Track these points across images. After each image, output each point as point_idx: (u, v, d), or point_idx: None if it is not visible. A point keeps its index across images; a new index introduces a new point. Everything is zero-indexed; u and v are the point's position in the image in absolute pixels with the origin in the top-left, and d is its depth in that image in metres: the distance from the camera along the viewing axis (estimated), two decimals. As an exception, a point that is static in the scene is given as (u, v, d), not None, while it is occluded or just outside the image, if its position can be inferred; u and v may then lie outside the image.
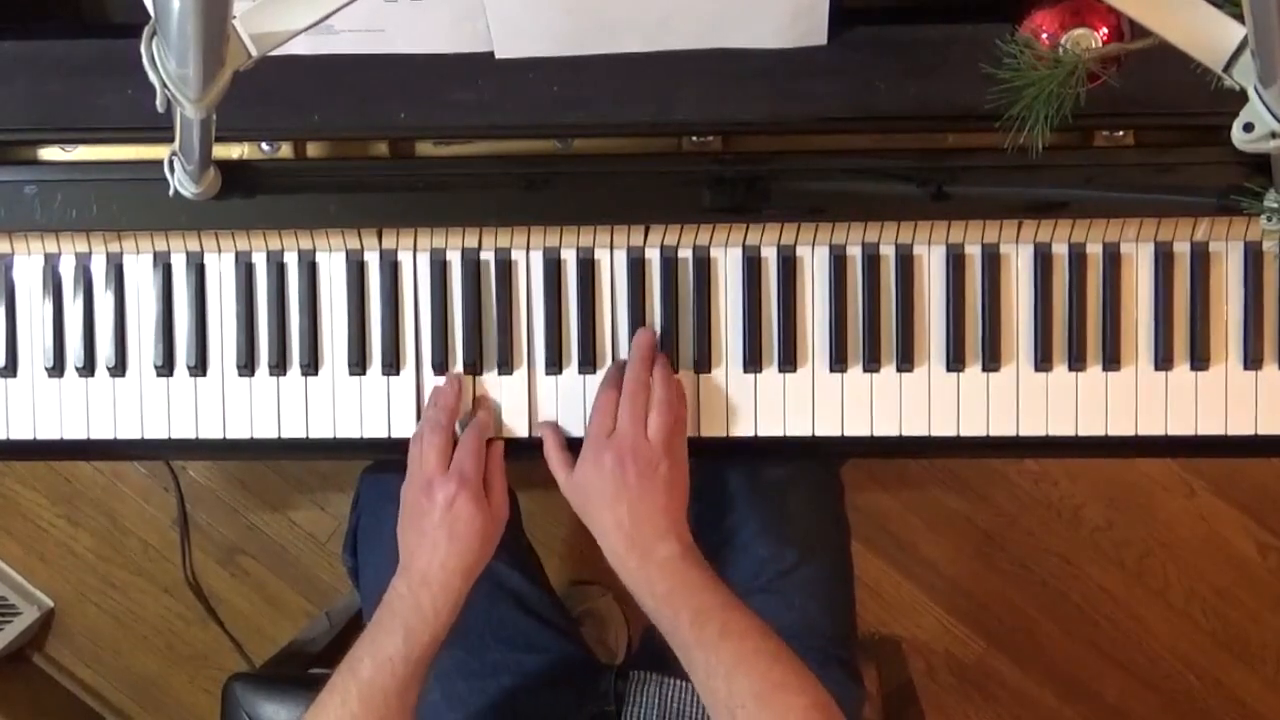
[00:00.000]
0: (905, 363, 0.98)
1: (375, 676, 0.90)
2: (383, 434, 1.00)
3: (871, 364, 0.98)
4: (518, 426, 1.00)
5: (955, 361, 0.97)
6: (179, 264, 1.00)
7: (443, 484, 0.93)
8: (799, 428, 0.99)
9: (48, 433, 1.01)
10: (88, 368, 1.00)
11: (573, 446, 0.97)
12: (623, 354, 0.99)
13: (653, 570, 0.90)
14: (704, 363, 0.98)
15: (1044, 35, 0.81)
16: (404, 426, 1.00)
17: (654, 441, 0.92)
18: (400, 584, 0.94)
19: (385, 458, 1.16)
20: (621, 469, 0.91)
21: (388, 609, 0.93)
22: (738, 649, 0.86)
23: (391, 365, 0.99)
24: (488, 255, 0.99)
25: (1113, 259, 0.96)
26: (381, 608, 0.94)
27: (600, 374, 0.99)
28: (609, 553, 0.92)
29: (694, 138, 0.95)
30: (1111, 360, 0.97)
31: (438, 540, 0.93)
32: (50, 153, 0.98)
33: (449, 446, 0.95)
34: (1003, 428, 0.98)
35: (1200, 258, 0.96)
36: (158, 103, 0.68)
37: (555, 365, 0.99)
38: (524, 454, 0.99)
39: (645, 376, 0.94)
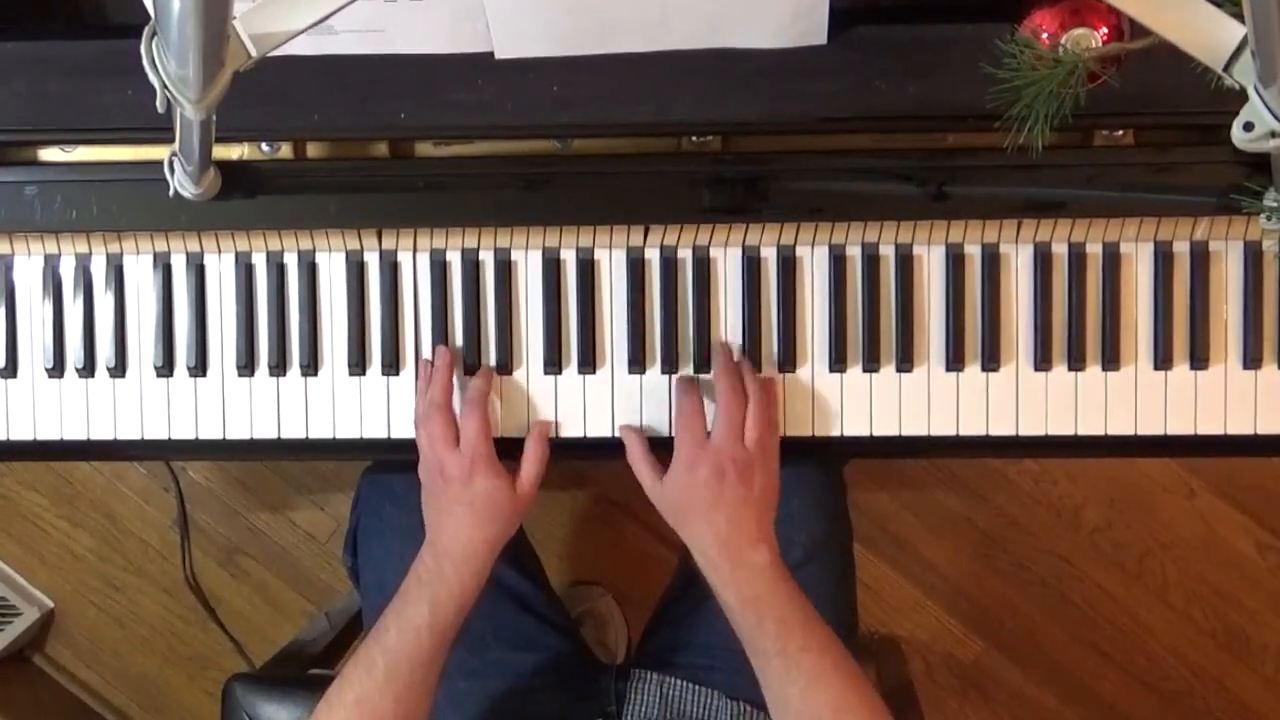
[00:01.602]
0: (905, 363, 0.98)
1: (401, 646, 0.91)
2: (382, 434, 1.01)
3: (871, 364, 0.98)
4: (517, 426, 1.00)
5: (955, 361, 0.97)
6: (179, 264, 1.00)
7: (456, 461, 0.94)
8: (798, 428, 0.99)
9: (48, 433, 1.01)
10: (88, 368, 1.00)
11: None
12: (622, 354, 0.99)
13: (742, 576, 0.91)
14: (703, 363, 0.98)
15: (1044, 35, 0.81)
16: (404, 427, 1.00)
17: (751, 449, 0.92)
18: (427, 556, 0.95)
19: (385, 458, 1.16)
20: (720, 479, 0.91)
21: (414, 580, 0.94)
22: (817, 663, 0.88)
23: (391, 365, 0.99)
24: (487, 255, 0.99)
25: (1112, 259, 0.96)
26: (408, 579, 0.95)
27: (601, 374, 0.99)
28: (700, 557, 0.93)
29: (693, 138, 0.95)
30: (1111, 360, 0.97)
31: (459, 514, 0.94)
32: (50, 153, 0.98)
33: (453, 424, 0.95)
34: (1002, 427, 0.98)
35: (1200, 257, 0.96)
36: (158, 103, 0.68)
37: (555, 365, 0.99)
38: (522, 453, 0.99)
39: (740, 383, 0.94)
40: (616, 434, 0.99)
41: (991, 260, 0.97)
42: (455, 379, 0.98)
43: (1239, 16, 0.62)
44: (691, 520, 0.93)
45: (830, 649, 0.89)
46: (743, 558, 0.91)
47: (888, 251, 0.98)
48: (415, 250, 0.99)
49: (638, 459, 0.97)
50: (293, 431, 1.01)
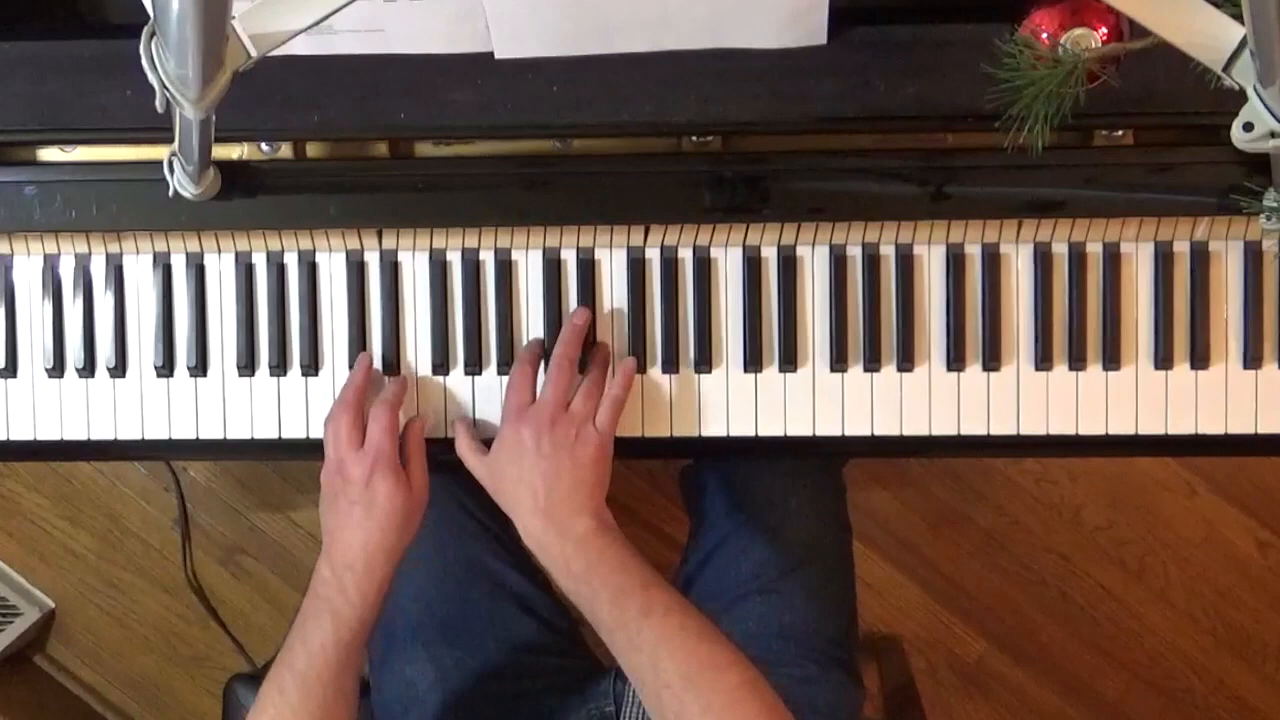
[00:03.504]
0: (905, 362, 0.98)
1: (309, 667, 0.90)
2: (383, 434, 1.00)
3: (872, 364, 0.98)
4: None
5: (955, 361, 0.97)
6: (179, 264, 1.00)
7: (357, 461, 0.92)
8: (799, 428, 0.99)
9: (48, 433, 1.01)
10: (88, 368, 1.00)
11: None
12: (622, 354, 0.99)
13: (569, 548, 0.88)
14: (704, 363, 0.98)
15: (1043, 35, 0.81)
16: (404, 427, 1.00)
17: (576, 415, 0.91)
18: (324, 568, 0.93)
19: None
20: (537, 439, 0.90)
21: (313, 595, 0.93)
22: (660, 627, 0.84)
23: (392, 365, 0.99)
24: (488, 255, 0.99)
25: (1113, 258, 0.96)
26: (308, 594, 0.93)
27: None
28: (524, 531, 0.91)
29: (694, 138, 0.95)
30: (1111, 359, 0.97)
31: (357, 519, 0.91)
32: (50, 153, 0.97)
33: (359, 424, 0.93)
34: (1003, 427, 0.98)
35: (1200, 257, 0.96)
36: (157, 103, 0.68)
37: (555, 365, 0.99)
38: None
39: (574, 352, 0.94)
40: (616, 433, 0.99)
41: (992, 260, 0.97)
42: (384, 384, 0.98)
43: (1239, 17, 0.62)
44: (511, 488, 0.91)
45: (673, 610, 0.85)
46: (567, 529, 0.89)
47: (888, 251, 0.98)
48: (415, 250, 0.99)
49: (462, 444, 0.96)
50: (293, 431, 1.01)
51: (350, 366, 0.99)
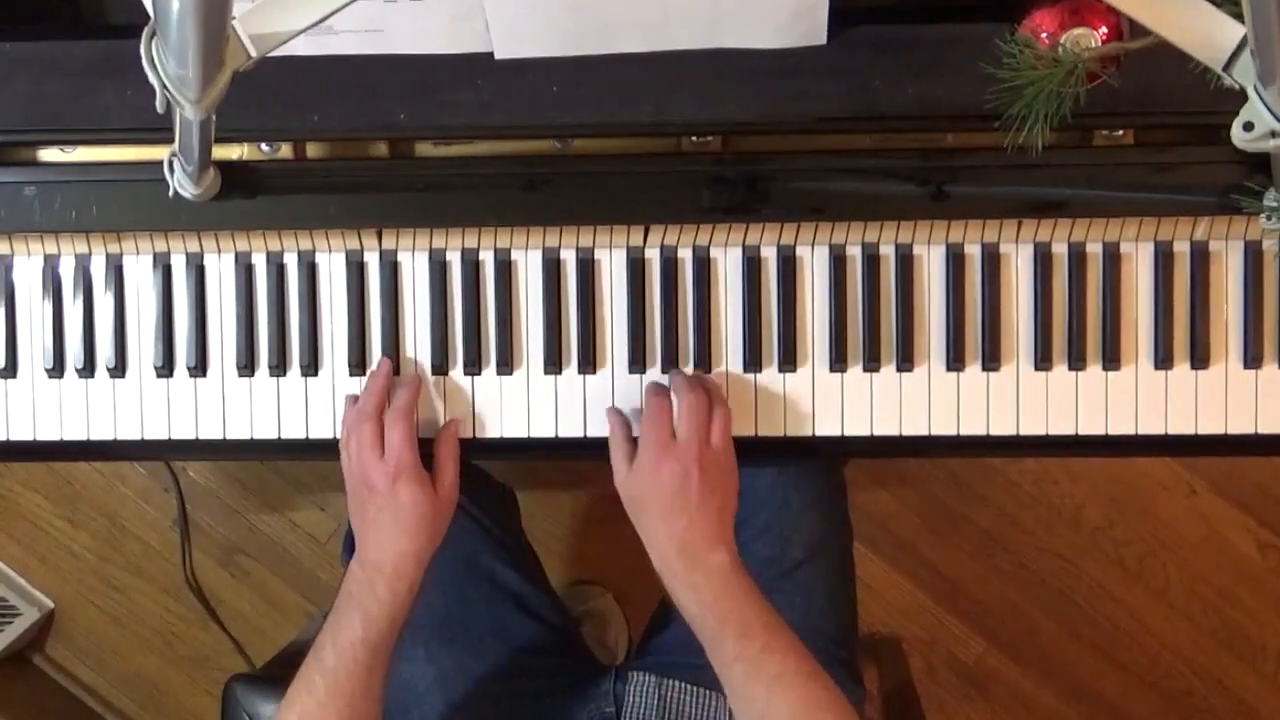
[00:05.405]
0: (905, 362, 0.98)
1: (339, 663, 0.90)
2: (383, 434, 1.00)
3: (871, 364, 0.98)
4: (517, 427, 1.00)
5: (955, 361, 0.97)
6: (179, 265, 1.00)
7: (380, 471, 0.93)
8: (799, 428, 0.99)
9: (48, 434, 1.01)
10: (87, 369, 1.00)
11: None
12: (622, 354, 0.99)
13: (700, 578, 0.90)
14: (704, 363, 0.98)
15: (1043, 35, 0.81)
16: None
17: (718, 451, 0.92)
18: (356, 570, 0.94)
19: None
20: (685, 480, 0.91)
21: (345, 595, 0.94)
22: (779, 666, 0.87)
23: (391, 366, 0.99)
24: (487, 255, 0.99)
25: (1113, 258, 0.96)
26: (340, 595, 0.94)
27: (601, 374, 0.99)
28: (657, 557, 0.92)
29: (694, 138, 0.95)
30: (1111, 359, 0.97)
31: (385, 525, 0.93)
32: (50, 153, 0.98)
33: (380, 433, 0.94)
34: (1003, 427, 0.98)
35: (1200, 257, 0.96)
36: (157, 104, 0.68)
37: (555, 365, 0.99)
38: (524, 454, 0.99)
39: (701, 386, 0.94)
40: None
41: (991, 260, 0.97)
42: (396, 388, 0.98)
43: (1239, 16, 0.62)
44: (652, 519, 0.92)
45: (791, 651, 0.88)
46: (701, 561, 0.90)
47: (888, 251, 0.98)
48: (415, 250, 0.99)
49: (616, 444, 0.96)
50: (293, 431, 1.01)
51: (349, 366, 0.99)
